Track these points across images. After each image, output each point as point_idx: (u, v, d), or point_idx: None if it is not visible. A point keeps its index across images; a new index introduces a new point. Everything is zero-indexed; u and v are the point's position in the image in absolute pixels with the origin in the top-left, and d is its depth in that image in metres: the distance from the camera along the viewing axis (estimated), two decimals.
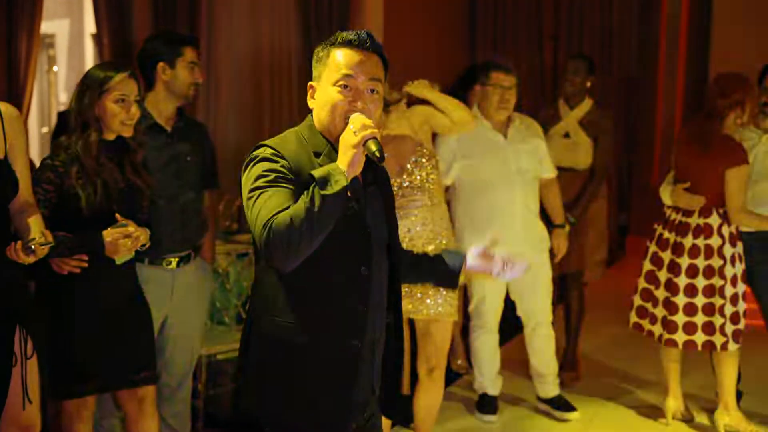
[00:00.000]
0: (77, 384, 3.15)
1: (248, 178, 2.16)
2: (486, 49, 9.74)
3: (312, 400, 2.25)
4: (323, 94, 2.24)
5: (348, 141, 2.08)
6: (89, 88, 3.07)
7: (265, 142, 2.22)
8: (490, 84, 4.24)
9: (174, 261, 3.56)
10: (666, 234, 4.37)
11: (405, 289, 3.62)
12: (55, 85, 11.15)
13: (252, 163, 2.17)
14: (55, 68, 11.12)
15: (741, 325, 4.29)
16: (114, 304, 3.17)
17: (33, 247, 2.57)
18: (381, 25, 7.98)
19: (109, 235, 2.95)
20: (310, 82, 2.33)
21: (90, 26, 9.66)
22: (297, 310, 2.23)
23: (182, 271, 3.59)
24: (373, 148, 2.06)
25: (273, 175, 2.12)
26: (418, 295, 3.69)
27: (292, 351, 2.24)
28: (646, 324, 4.45)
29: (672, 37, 9.00)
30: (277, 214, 2.02)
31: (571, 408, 4.60)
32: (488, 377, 4.62)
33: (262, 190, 2.10)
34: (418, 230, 3.67)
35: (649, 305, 4.44)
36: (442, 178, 4.21)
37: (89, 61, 9.59)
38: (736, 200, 4.13)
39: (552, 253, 4.60)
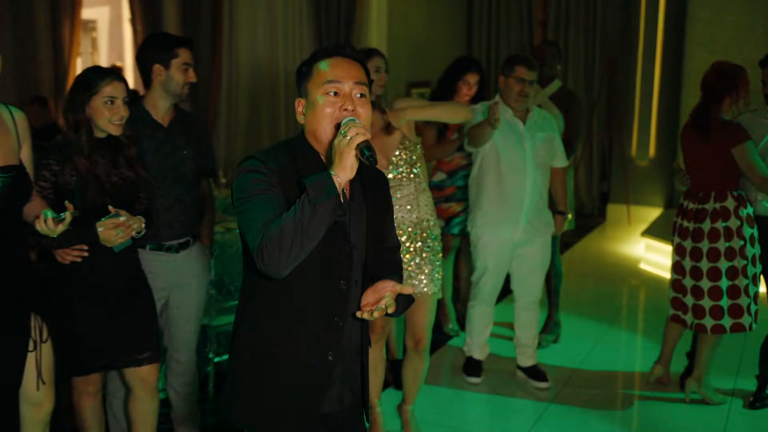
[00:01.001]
0: (82, 362, 3.11)
1: (237, 188, 1.99)
2: (482, 35, 9.60)
3: (282, 410, 2.11)
4: (312, 106, 2.04)
5: (339, 146, 1.90)
6: (80, 90, 2.96)
7: (254, 154, 2.03)
8: (513, 77, 4.09)
9: (174, 247, 3.45)
10: (685, 223, 4.11)
11: None
12: (96, 63, 10.98)
13: (240, 174, 2.00)
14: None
15: (754, 307, 4.08)
16: (116, 287, 3.08)
17: (63, 216, 2.54)
18: (385, 14, 7.72)
19: (101, 226, 2.85)
20: (297, 100, 2.11)
21: (127, 12, 9.45)
22: (275, 320, 2.09)
23: (182, 256, 3.48)
24: (365, 152, 1.89)
25: (261, 185, 1.96)
26: (404, 275, 3.50)
27: (267, 359, 2.10)
28: (680, 314, 4.17)
29: (650, 21, 8.71)
30: (268, 222, 1.89)
31: (543, 378, 4.48)
32: (477, 343, 4.54)
33: (251, 199, 1.95)
34: (404, 216, 3.51)
35: (680, 295, 4.16)
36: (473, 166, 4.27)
37: (127, 44, 9.40)
38: (756, 172, 3.88)
39: None
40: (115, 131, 2.97)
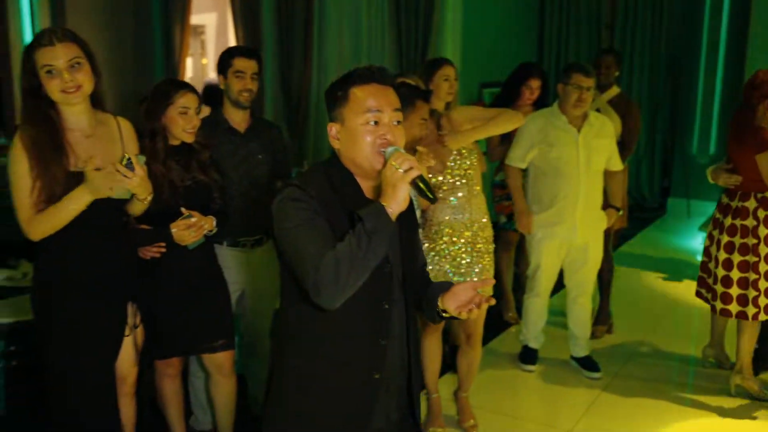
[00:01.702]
0: (163, 347, 3.13)
1: (281, 217, 1.86)
2: (552, 39, 9.33)
3: (329, 430, 1.98)
4: (351, 134, 1.89)
5: (392, 178, 1.78)
6: (157, 101, 2.94)
7: (294, 181, 1.92)
8: (571, 84, 3.93)
9: (248, 243, 3.42)
10: (717, 214, 4.10)
11: (449, 262, 3.44)
12: (206, 65, 11.18)
13: (282, 202, 1.87)
14: (204, 60, 11.18)
15: None
16: (192, 280, 3.06)
17: (131, 160, 2.43)
18: (460, 21, 7.55)
19: (175, 226, 2.86)
20: (330, 123, 1.97)
21: (231, 18, 9.56)
22: (320, 342, 1.96)
23: (255, 252, 3.46)
24: (424, 186, 1.81)
25: (305, 213, 1.83)
26: (462, 270, 3.44)
27: (314, 383, 1.97)
28: (704, 292, 4.20)
29: (714, 24, 8.30)
30: (320, 254, 1.75)
31: (595, 368, 4.33)
32: (532, 333, 4.43)
33: (297, 230, 1.82)
34: (457, 219, 3.40)
35: (705, 275, 4.19)
36: (517, 162, 4.10)
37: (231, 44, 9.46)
38: None
39: None
40: (188, 138, 2.95)
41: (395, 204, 1.77)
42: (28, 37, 8.85)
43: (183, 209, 2.86)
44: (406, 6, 7.76)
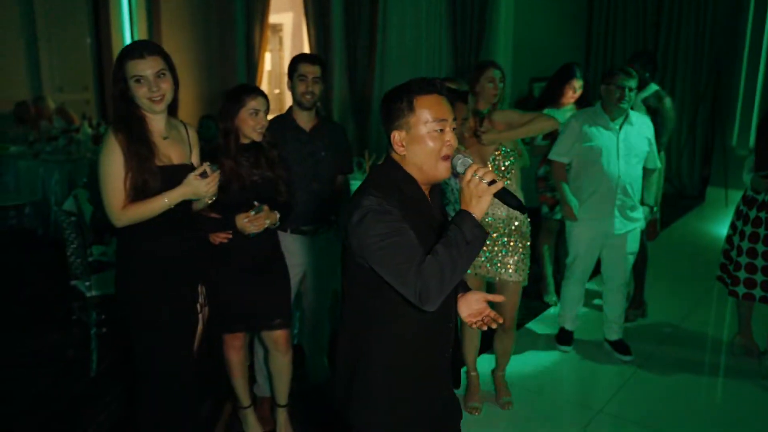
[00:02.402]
0: (229, 324, 3.16)
1: (369, 230, 1.78)
2: (600, 37, 9.04)
3: (412, 415, 1.98)
4: (418, 141, 1.84)
5: (477, 190, 1.78)
6: (229, 104, 2.95)
7: (370, 192, 1.82)
8: (614, 84, 3.79)
9: (309, 231, 3.44)
10: (741, 206, 3.97)
11: (486, 254, 3.37)
12: (284, 60, 11.24)
13: (367, 215, 1.79)
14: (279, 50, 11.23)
15: None
16: (256, 265, 3.08)
17: (206, 171, 2.54)
18: (512, 21, 7.37)
19: (239, 219, 2.92)
20: (394, 132, 1.88)
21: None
22: (407, 331, 1.93)
23: (316, 239, 3.47)
24: (512, 201, 1.84)
25: (393, 224, 1.78)
26: (496, 262, 3.37)
27: (400, 366, 1.94)
28: (725, 278, 4.10)
29: (757, 24, 7.90)
30: (420, 261, 1.73)
31: (627, 352, 4.19)
32: (569, 316, 4.31)
33: (390, 239, 1.76)
34: (495, 213, 3.33)
35: (727, 262, 4.09)
36: (561, 157, 3.97)
37: (305, 44, 9.48)
38: None
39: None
40: (258, 137, 2.96)
41: (480, 213, 1.78)
42: (128, 41, 9.11)
43: (255, 202, 2.90)
44: (462, 7, 7.61)
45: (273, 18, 10.22)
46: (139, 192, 2.51)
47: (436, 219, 1.96)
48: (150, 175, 2.51)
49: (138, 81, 2.47)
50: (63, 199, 6.16)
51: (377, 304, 1.90)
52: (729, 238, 4.06)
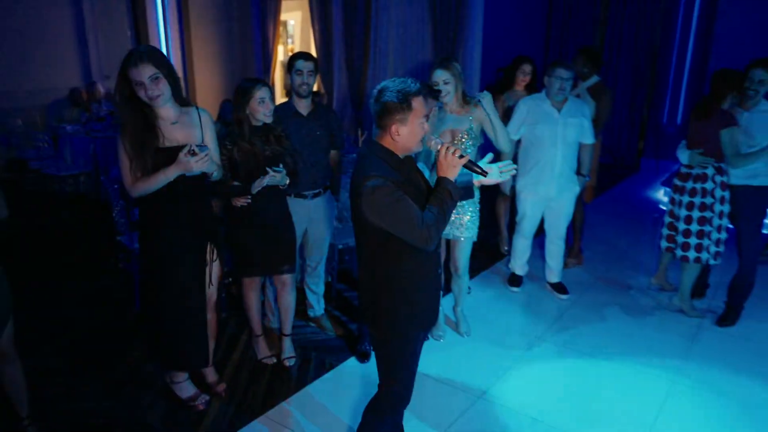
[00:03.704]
0: (247, 269, 3.25)
1: (378, 201, 1.95)
2: (556, 32, 8.96)
3: (426, 316, 2.22)
4: (410, 130, 2.03)
5: (452, 162, 2.03)
6: (240, 96, 2.99)
7: (372, 172, 1.98)
8: (554, 76, 3.83)
9: (309, 195, 3.50)
10: (677, 181, 3.90)
11: None
12: (294, 52, 11.10)
13: (375, 190, 1.95)
14: (289, 42, 11.11)
15: (721, 249, 3.83)
16: (269, 222, 3.15)
17: (193, 150, 2.53)
18: (481, 17, 7.33)
19: (254, 187, 2.99)
20: (393, 124, 2.02)
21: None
22: (416, 271, 2.14)
23: (315, 202, 3.53)
24: (475, 167, 2.08)
25: (396, 194, 1.96)
26: (452, 222, 3.44)
27: (413, 295, 2.14)
28: (671, 246, 4.00)
29: (686, 19, 7.90)
30: (419, 217, 1.96)
31: (565, 291, 4.32)
32: (518, 264, 4.41)
33: (397, 206, 1.95)
34: (456, 181, 3.40)
35: (672, 233, 3.97)
36: (511, 135, 3.94)
37: (311, 39, 9.40)
38: (730, 149, 3.62)
39: None
40: (268, 120, 3.02)
41: (453, 177, 2.04)
42: (162, 37, 9.06)
43: (268, 169, 2.95)
44: (440, 8, 7.57)
45: (284, 16, 10.14)
46: (145, 170, 2.56)
47: (420, 182, 2.15)
48: (151, 157, 2.55)
49: (137, 85, 2.51)
50: (110, 169, 6.26)
51: (386, 251, 2.07)
52: (671, 212, 3.98)
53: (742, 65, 3.78)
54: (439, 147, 2.04)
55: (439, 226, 1.97)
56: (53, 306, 4.13)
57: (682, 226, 3.84)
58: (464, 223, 3.44)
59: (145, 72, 2.49)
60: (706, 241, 3.77)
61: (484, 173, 2.10)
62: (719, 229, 3.77)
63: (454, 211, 3.36)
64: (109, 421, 2.91)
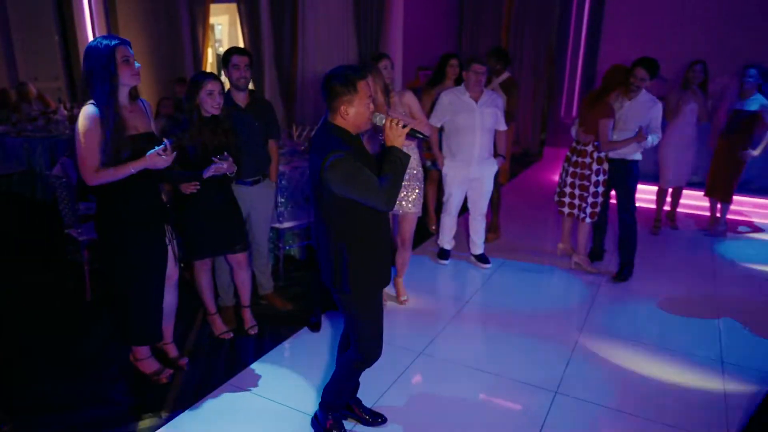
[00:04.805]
0: (199, 251, 3.23)
1: (340, 172, 2.05)
2: (468, 35, 9.26)
3: (378, 279, 2.32)
4: (358, 110, 2.16)
5: (397, 132, 2.14)
6: (192, 88, 2.98)
7: (334, 147, 2.08)
8: (471, 71, 4.02)
9: (249, 182, 3.49)
10: (568, 154, 4.32)
11: None
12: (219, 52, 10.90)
13: (338, 163, 2.05)
14: (219, 50, 10.89)
15: (597, 210, 4.27)
16: (218, 206, 3.16)
17: (167, 148, 2.57)
18: (402, 18, 7.52)
19: (206, 173, 2.96)
20: (342, 105, 2.15)
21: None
22: (374, 233, 2.26)
23: (256, 188, 3.53)
24: (417, 133, 2.22)
25: (356, 163, 2.07)
26: (399, 200, 3.57)
27: (373, 252, 2.27)
28: (561, 210, 4.45)
29: (578, 23, 8.46)
30: (377, 182, 2.07)
31: (487, 261, 4.55)
32: (445, 239, 4.58)
33: (358, 175, 2.06)
34: None
35: (563, 200, 4.40)
36: (435, 123, 4.15)
37: (240, 40, 9.27)
38: (604, 136, 4.03)
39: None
40: (216, 112, 3.01)
41: (400, 145, 2.16)
42: (90, 37, 8.63)
43: (213, 159, 2.94)
44: (364, 8, 7.68)
45: (212, 20, 9.92)
46: (112, 157, 2.49)
47: (369, 155, 2.28)
48: (124, 145, 2.51)
49: (124, 62, 2.49)
50: (47, 167, 5.95)
51: (347, 217, 2.18)
52: (561, 180, 4.39)
53: (627, 62, 4.17)
54: (384, 122, 2.17)
55: (395, 188, 2.08)
56: (3, 301, 3.94)
57: (567, 190, 4.29)
58: (411, 199, 3.58)
59: (130, 50, 2.51)
60: (584, 204, 4.22)
61: (426, 138, 2.29)
62: (595, 195, 4.19)
63: (402, 190, 3.55)
64: (70, 399, 2.84)
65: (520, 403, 2.86)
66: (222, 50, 11.18)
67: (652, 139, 4.03)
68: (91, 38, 8.69)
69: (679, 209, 5.94)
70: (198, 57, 9.47)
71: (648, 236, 5.29)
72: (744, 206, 6.09)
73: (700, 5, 7.11)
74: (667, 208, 5.66)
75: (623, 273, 4.32)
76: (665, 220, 5.62)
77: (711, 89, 5.26)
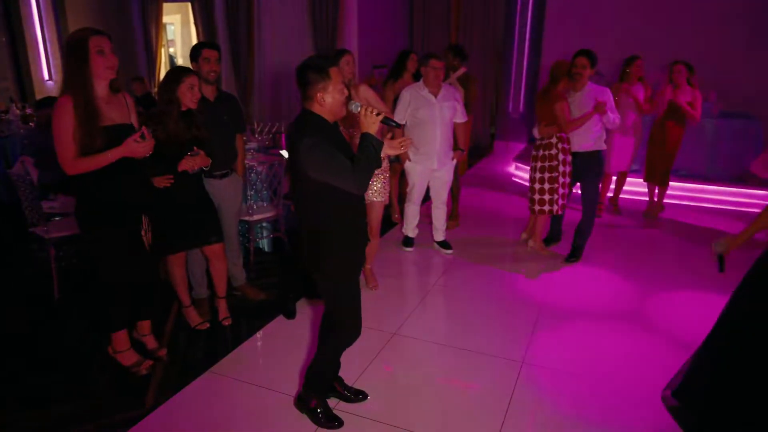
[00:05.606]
0: (173, 245, 3.19)
1: (314, 157, 2.09)
2: (418, 34, 9.35)
3: (356, 260, 2.36)
4: (333, 98, 2.19)
5: (371, 119, 2.15)
6: (171, 80, 2.95)
7: (308, 133, 2.11)
8: (429, 67, 4.08)
9: (218, 175, 3.46)
10: (533, 152, 4.34)
11: None
12: (177, 52, 10.62)
13: (312, 148, 2.09)
14: (171, 50, 10.61)
15: (566, 201, 4.37)
16: (191, 199, 3.14)
17: (144, 134, 2.55)
18: (356, 20, 7.57)
19: (186, 161, 2.98)
20: (318, 93, 2.18)
21: (192, 17, 9.12)
22: (349, 216, 2.29)
23: (225, 181, 3.49)
24: (390, 121, 2.24)
25: (330, 149, 2.09)
26: (369, 189, 3.62)
27: (348, 235, 2.30)
28: (529, 203, 4.44)
29: (522, 21, 8.67)
30: (349, 167, 2.07)
31: (449, 247, 4.65)
32: (410, 227, 4.66)
33: (331, 159, 2.08)
34: None
35: (530, 194, 4.40)
36: (398, 119, 4.17)
37: (193, 39, 9.08)
38: (562, 119, 4.13)
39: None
40: (193, 106, 2.99)
41: (374, 132, 2.17)
42: (40, 39, 8.25)
43: (195, 148, 2.95)
44: (319, 7, 7.69)
45: (165, 18, 9.67)
46: (86, 146, 2.46)
47: (345, 141, 2.31)
48: (98, 132, 2.48)
49: (99, 52, 2.48)
50: (3, 167, 5.68)
51: (326, 202, 2.22)
52: (531, 177, 4.35)
53: (568, 58, 4.33)
54: (359, 110, 2.22)
55: (368, 172, 2.09)
56: None
57: (537, 186, 4.31)
58: (376, 188, 3.65)
59: (107, 42, 2.48)
60: (555, 196, 4.29)
61: (399, 125, 2.34)
62: (563, 185, 4.31)
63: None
64: (50, 394, 2.78)
65: (489, 374, 2.98)
66: (174, 51, 10.91)
67: (613, 117, 4.13)
68: (39, 38, 8.32)
69: (621, 195, 6.24)
70: (152, 56, 9.23)
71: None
72: (678, 191, 6.46)
73: (639, 5, 7.45)
74: (610, 194, 5.94)
75: (575, 254, 4.52)
76: (609, 205, 5.90)
77: (648, 82, 5.56)
